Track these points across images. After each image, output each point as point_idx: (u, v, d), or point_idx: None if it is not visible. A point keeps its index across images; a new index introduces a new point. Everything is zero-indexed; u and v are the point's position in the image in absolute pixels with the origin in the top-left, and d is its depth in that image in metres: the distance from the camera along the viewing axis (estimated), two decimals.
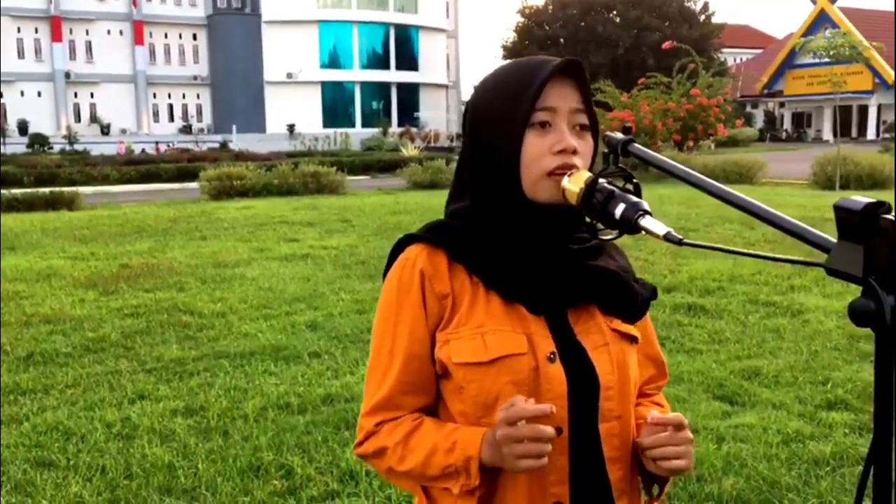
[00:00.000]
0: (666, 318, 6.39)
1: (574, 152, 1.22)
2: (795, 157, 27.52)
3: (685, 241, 1.06)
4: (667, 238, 1.06)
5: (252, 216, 14.30)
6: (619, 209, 1.12)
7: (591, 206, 1.16)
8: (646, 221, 1.10)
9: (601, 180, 1.17)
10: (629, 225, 1.11)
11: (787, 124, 55.76)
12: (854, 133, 48.71)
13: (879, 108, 49.03)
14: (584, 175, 1.19)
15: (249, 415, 4.50)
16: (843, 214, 0.88)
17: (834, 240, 0.92)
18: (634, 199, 1.13)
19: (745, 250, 1.07)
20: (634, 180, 1.18)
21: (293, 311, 6.95)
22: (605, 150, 1.23)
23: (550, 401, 1.19)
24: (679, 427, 1.24)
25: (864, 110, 49.43)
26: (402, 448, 1.25)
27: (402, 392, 1.28)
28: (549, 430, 1.12)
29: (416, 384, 1.28)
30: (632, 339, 1.31)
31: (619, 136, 1.23)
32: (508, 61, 1.34)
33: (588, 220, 1.21)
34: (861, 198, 0.88)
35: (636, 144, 1.22)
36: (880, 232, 0.86)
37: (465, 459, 1.20)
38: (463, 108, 1.36)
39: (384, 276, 1.33)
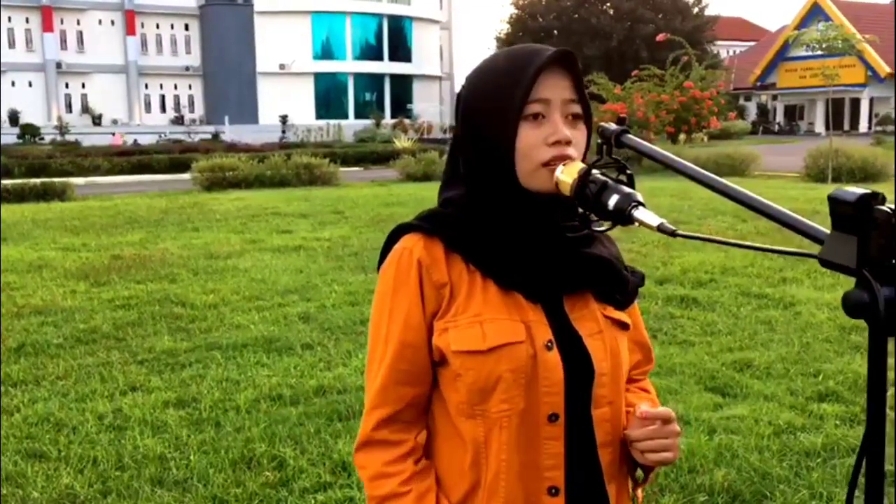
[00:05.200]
0: (658, 310, 6.40)
1: (568, 143, 1.22)
2: (788, 150, 27.57)
3: (678, 232, 1.06)
4: (660, 229, 1.06)
5: (244, 207, 14.26)
6: (613, 200, 1.12)
7: (584, 196, 1.16)
8: (639, 213, 1.10)
9: (594, 171, 1.17)
10: (622, 216, 1.11)
11: (780, 117, 55.81)
12: (846, 126, 48.80)
13: (872, 101, 49.15)
14: (578, 166, 1.19)
15: (241, 406, 4.49)
16: (838, 205, 0.88)
17: (827, 231, 0.92)
18: (628, 189, 1.13)
19: (741, 242, 1.06)
20: (628, 171, 1.18)
21: (286, 303, 6.93)
22: (599, 141, 1.23)
23: (547, 388, 1.22)
24: (667, 421, 1.27)
25: (856, 103, 49.53)
26: None
27: (397, 381, 1.28)
28: None
29: (411, 373, 1.27)
30: (623, 326, 1.33)
31: (613, 126, 1.22)
32: (501, 50, 1.33)
33: (581, 210, 1.21)
34: (855, 188, 0.88)
35: (630, 135, 1.21)
36: (874, 223, 0.86)
37: None
38: (456, 97, 1.35)
39: (378, 266, 1.32)
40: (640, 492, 1.37)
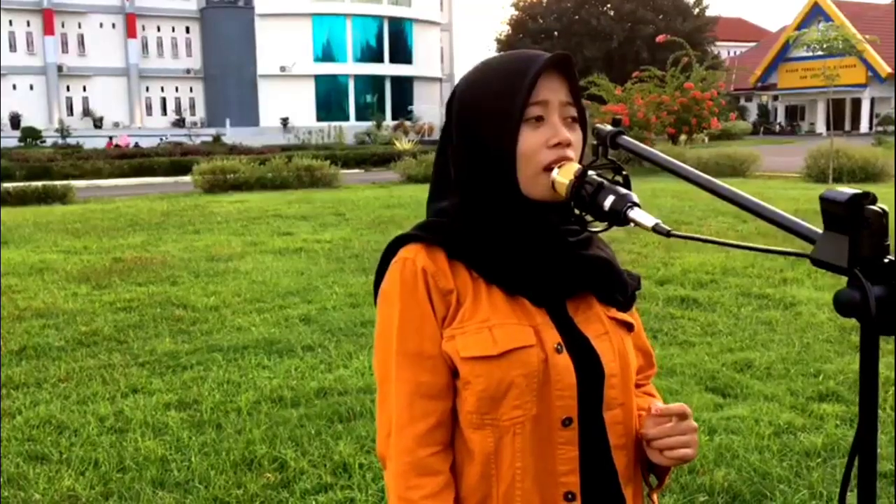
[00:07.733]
0: (659, 311, 6.40)
1: (568, 145, 1.22)
2: (789, 151, 27.58)
3: (673, 232, 1.06)
4: (655, 230, 1.07)
5: (245, 210, 14.27)
6: (609, 201, 1.13)
7: (580, 197, 1.16)
8: (634, 213, 1.10)
9: (590, 172, 1.17)
10: (618, 217, 1.12)
11: (781, 117, 55.81)
12: (847, 126, 48.81)
13: (873, 101, 49.15)
14: (574, 167, 1.19)
15: (243, 408, 4.50)
16: (829, 205, 0.89)
17: (820, 231, 0.93)
18: (623, 190, 1.14)
19: (733, 242, 1.07)
20: (624, 172, 1.19)
21: (286, 305, 6.94)
22: (595, 143, 1.24)
23: (560, 391, 1.20)
24: (683, 416, 1.25)
25: (857, 103, 49.53)
26: None
27: (422, 395, 1.23)
28: None
29: (435, 385, 1.23)
30: (628, 327, 1.32)
31: (609, 128, 1.23)
32: (491, 58, 1.33)
33: (577, 211, 1.21)
34: (846, 189, 0.88)
35: (625, 136, 1.22)
36: (865, 222, 0.87)
37: None
38: (446, 106, 1.34)
39: (377, 280, 1.29)
40: (655, 496, 1.35)
